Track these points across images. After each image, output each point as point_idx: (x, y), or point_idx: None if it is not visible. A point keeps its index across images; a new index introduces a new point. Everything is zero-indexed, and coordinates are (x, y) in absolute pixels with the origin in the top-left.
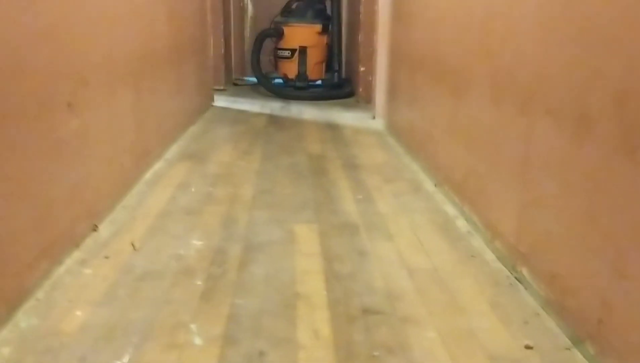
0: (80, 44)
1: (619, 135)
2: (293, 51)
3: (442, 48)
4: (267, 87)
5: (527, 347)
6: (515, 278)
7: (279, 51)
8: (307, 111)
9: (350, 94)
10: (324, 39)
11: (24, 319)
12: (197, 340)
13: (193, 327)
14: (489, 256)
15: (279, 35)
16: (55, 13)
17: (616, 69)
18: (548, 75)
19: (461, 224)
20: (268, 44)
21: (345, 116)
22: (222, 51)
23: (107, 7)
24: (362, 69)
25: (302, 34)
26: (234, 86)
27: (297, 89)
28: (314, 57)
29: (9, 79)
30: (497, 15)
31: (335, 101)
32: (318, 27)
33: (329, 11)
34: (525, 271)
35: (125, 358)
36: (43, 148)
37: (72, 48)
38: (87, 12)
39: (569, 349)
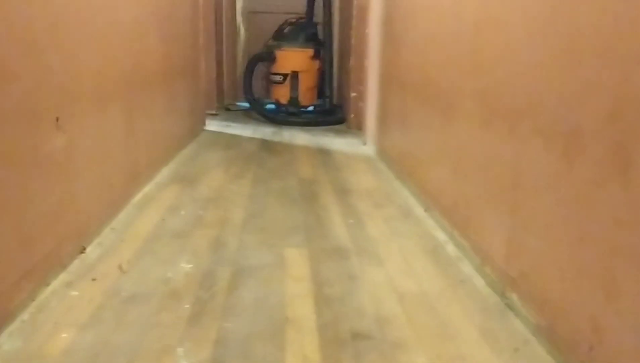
0: (69, 61)
1: (610, 154)
2: (285, 75)
3: (431, 72)
4: (260, 112)
5: None
6: (506, 304)
7: (271, 76)
8: (299, 137)
9: (342, 120)
10: (316, 64)
11: (7, 341)
12: None
13: (180, 350)
14: (479, 281)
15: (272, 59)
16: (43, 27)
17: (605, 87)
18: (537, 95)
19: (451, 249)
20: (260, 68)
21: (336, 142)
22: (214, 74)
23: (96, 25)
24: (353, 94)
25: (295, 59)
26: (227, 110)
27: (289, 115)
28: (306, 82)
29: None
30: (484, 37)
31: (327, 126)
32: (310, 51)
33: (320, 36)
34: (515, 297)
35: None
36: (28, 164)
37: (60, 64)
38: (76, 29)
39: None
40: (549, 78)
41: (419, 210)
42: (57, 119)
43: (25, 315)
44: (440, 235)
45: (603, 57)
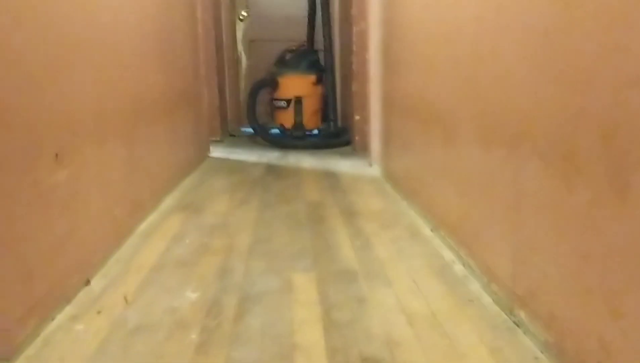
0: (67, 94)
1: (607, 173)
2: (289, 101)
3: (431, 94)
4: (264, 137)
5: None
6: (514, 322)
7: (275, 101)
8: (304, 160)
9: (347, 142)
10: (319, 89)
11: None
12: None
13: None
14: (487, 300)
15: (274, 85)
16: (41, 62)
17: (599, 107)
18: (534, 116)
19: (458, 268)
20: (264, 94)
21: (342, 164)
22: (217, 102)
23: (94, 58)
24: (357, 117)
25: (297, 85)
26: (231, 136)
27: (294, 139)
28: (310, 107)
29: None
30: (481, 63)
31: (332, 149)
32: (312, 77)
33: (322, 62)
34: (523, 315)
35: None
36: (30, 200)
37: (58, 98)
38: (72, 62)
39: None
40: (544, 102)
41: (425, 230)
42: (57, 156)
43: (30, 351)
44: (448, 254)
45: (593, 83)
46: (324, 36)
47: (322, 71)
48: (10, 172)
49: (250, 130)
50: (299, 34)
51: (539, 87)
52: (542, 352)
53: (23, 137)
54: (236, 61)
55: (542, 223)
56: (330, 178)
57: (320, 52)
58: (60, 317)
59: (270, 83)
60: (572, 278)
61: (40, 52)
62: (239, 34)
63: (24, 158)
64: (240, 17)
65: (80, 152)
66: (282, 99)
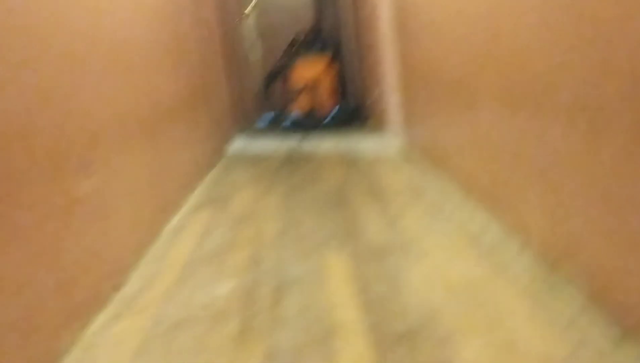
0: (88, 102)
1: (636, 123)
2: (303, 85)
3: (452, 63)
4: (282, 124)
5: (573, 347)
6: (552, 281)
7: (289, 88)
8: (324, 142)
9: (366, 119)
10: (333, 68)
11: None
12: None
13: None
14: (523, 262)
15: (288, 72)
16: (58, 72)
17: (623, 60)
18: (558, 74)
19: (492, 234)
20: (278, 82)
21: (363, 141)
22: (234, 95)
23: (107, 63)
24: (374, 94)
25: (311, 68)
26: (249, 127)
27: (312, 122)
28: (326, 88)
29: (20, 141)
30: (501, 23)
31: (351, 128)
32: (326, 58)
33: (334, 43)
34: (562, 273)
35: None
36: (60, 209)
37: (80, 107)
38: (90, 70)
39: (616, 345)
40: (567, 61)
41: (455, 198)
42: (83, 164)
43: (72, 356)
44: (479, 222)
45: (615, 37)
46: (334, 16)
47: (335, 51)
48: (40, 183)
49: (268, 119)
50: (309, 18)
51: (561, 46)
52: (584, 309)
53: (50, 148)
54: (248, 53)
55: (572, 180)
56: (353, 157)
57: (332, 30)
58: (100, 320)
59: (283, 71)
60: (613, 230)
61: (64, 65)
62: (250, 25)
63: (52, 169)
64: (249, 10)
65: (106, 160)
66: (296, 85)
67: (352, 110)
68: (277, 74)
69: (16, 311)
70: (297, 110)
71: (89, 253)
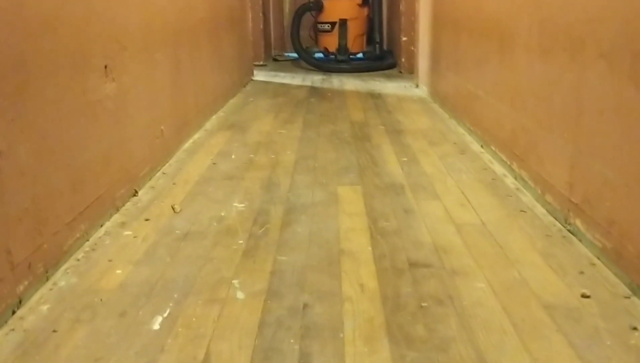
0: (115, 9)
1: None
2: (333, 24)
3: (486, 6)
4: (308, 61)
5: (584, 296)
6: (569, 230)
7: (319, 25)
8: (348, 83)
9: (393, 65)
10: (365, 10)
11: (63, 278)
12: (240, 295)
13: (235, 282)
14: (540, 210)
15: (319, 8)
16: None
17: None
18: (599, 17)
19: (510, 181)
20: (308, 18)
21: (387, 86)
22: (261, 25)
23: None
24: (404, 38)
25: (342, 7)
26: (274, 61)
27: (339, 62)
28: (355, 30)
29: (40, 35)
30: None
31: (377, 72)
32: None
33: None
34: (579, 223)
35: (166, 313)
36: (78, 109)
37: (107, 11)
38: None
39: (628, 297)
40: (609, 2)
41: (475, 146)
42: (106, 67)
43: (79, 254)
44: (498, 169)
45: None
46: None
47: None
48: (58, 80)
49: (294, 54)
50: None
51: None
52: (598, 258)
53: (72, 47)
54: None
55: (604, 126)
56: (376, 99)
57: None
58: (109, 224)
59: (314, 6)
60: (635, 181)
61: None
62: None
63: (72, 68)
64: None
65: (128, 66)
66: (326, 22)
67: (379, 55)
68: (308, 9)
69: (29, 201)
70: (324, 48)
71: (105, 157)
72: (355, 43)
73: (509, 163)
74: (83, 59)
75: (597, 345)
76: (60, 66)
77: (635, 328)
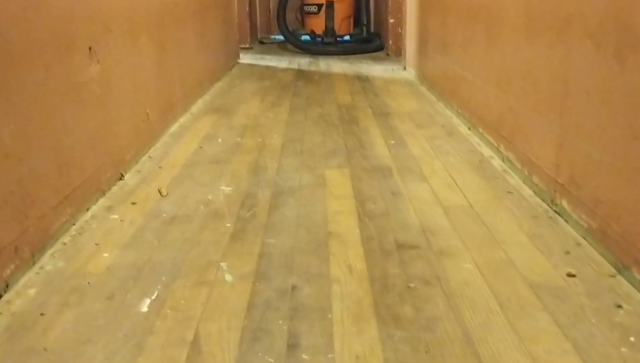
0: None
1: None
2: (320, 6)
3: None
4: (295, 43)
5: (569, 275)
6: (555, 211)
7: (305, 7)
8: (336, 66)
9: (380, 47)
10: None
11: (49, 262)
12: (228, 277)
13: (223, 265)
14: (526, 191)
15: None
16: None
17: None
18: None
19: (497, 163)
20: (294, 0)
21: (375, 69)
22: (247, 8)
23: None
24: (391, 21)
25: None
26: (260, 44)
27: (326, 45)
28: (342, 12)
29: (23, 15)
30: None
31: (364, 55)
32: None
33: None
34: (565, 203)
35: (154, 296)
36: (63, 91)
37: None
38: None
39: (613, 276)
40: None
41: (462, 129)
42: (90, 49)
43: (66, 238)
44: (486, 151)
45: None
46: None
47: None
48: (42, 61)
49: (281, 37)
50: None
51: None
52: (584, 238)
53: (56, 28)
54: None
55: (590, 108)
56: (363, 82)
57: None
58: (95, 208)
59: None
60: (622, 160)
61: None
62: None
63: (56, 49)
64: None
65: (113, 48)
66: (313, 4)
67: (366, 37)
68: None
69: (14, 184)
70: (311, 31)
71: (90, 139)
72: (342, 25)
73: (496, 144)
74: (67, 40)
75: (582, 323)
76: (44, 47)
77: (619, 306)
